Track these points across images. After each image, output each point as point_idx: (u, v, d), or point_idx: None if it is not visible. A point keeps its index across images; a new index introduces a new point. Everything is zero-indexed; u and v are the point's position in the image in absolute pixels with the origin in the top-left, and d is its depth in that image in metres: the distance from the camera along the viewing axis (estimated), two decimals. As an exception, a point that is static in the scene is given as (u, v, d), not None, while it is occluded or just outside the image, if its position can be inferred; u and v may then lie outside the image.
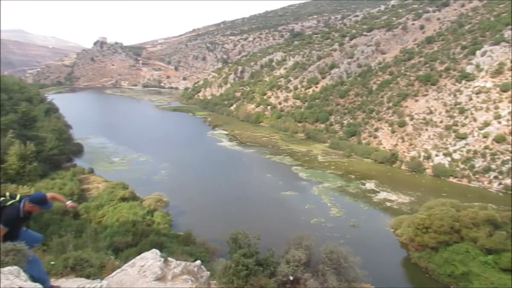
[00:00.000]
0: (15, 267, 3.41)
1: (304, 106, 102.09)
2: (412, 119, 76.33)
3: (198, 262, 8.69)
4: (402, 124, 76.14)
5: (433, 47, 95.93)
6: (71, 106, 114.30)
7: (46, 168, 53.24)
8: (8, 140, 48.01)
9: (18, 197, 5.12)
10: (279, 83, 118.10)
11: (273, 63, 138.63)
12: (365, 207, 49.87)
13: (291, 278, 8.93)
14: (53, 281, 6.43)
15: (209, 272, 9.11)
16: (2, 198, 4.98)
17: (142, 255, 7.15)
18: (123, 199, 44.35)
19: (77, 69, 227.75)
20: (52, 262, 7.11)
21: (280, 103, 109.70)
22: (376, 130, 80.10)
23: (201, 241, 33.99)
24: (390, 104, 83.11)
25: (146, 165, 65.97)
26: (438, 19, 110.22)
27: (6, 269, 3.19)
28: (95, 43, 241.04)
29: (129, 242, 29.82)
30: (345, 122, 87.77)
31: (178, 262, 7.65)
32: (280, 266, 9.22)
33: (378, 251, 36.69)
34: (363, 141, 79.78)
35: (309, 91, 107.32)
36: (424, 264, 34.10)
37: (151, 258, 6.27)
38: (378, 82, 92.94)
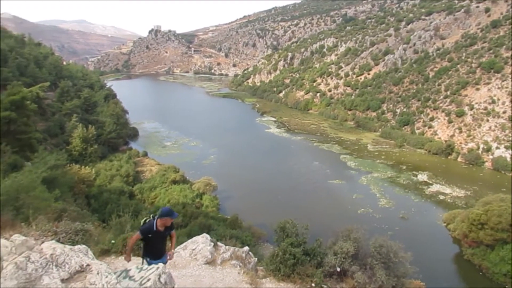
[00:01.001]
0: (84, 246, 4.00)
1: (355, 94, 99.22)
2: (471, 108, 71.31)
3: (246, 248, 9.21)
4: (461, 114, 71.43)
5: (498, 31, 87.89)
6: (127, 92, 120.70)
7: (105, 151, 57.26)
8: (73, 123, 52.15)
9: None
10: (330, 70, 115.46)
11: (324, 49, 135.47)
12: (416, 200, 48.00)
13: (338, 269, 9.00)
14: (114, 259, 7.26)
15: (256, 259, 9.61)
16: (144, 219, 6.18)
17: (194, 239, 7.76)
18: (174, 182, 46.51)
19: (133, 57, 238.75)
20: (113, 241, 7.90)
21: (330, 90, 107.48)
22: (432, 119, 75.98)
23: (247, 225, 34.95)
24: (448, 93, 78.16)
25: (196, 149, 68.29)
26: (506, 1, 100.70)
27: (76, 247, 3.78)
28: (150, 32, 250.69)
29: (179, 223, 31.53)
30: (398, 110, 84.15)
31: (227, 247, 8.19)
32: (328, 257, 9.31)
33: (429, 245, 35.38)
34: (417, 131, 76.16)
35: (360, 78, 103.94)
36: (478, 261, 32.38)
37: (201, 242, 6.85)
38: (436, 69, 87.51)
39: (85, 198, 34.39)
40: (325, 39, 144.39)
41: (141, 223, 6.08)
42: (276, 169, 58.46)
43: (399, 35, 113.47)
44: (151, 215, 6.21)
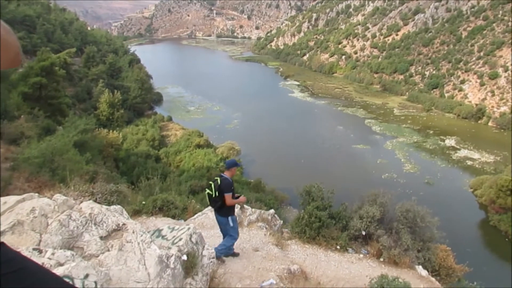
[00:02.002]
0: (119, 206, 4.21)
1: (382, 56, 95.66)
2: (506, 70, 67.46)
3: (272, 211, 9.43)
4: (494, 76, 67.87)
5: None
6: (151, 57, 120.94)
7: (131, 115, 58.47)
8: (99, 89, 53.19)
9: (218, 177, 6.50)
10: (356, 31, 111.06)
11: (350, 9, 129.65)
12: (443, 165, 47.09)
13: (364, 233, 9.09)
14: (145, 219, 7.62)
15: (281, 221, 9.84)
16: (214, 180, 6.40)
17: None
18: (198, 146, 47.35)
19: (155, 21, 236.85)
20: (143, 202, 8.28)
21: (355, 53, 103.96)
22: (462, 82, 72.73)
23: (270, 189, 35.51)
24: (481, 54, 74.05)
25: (220, 114, 68.66)
26: None
27: (112, 207, 3.98)
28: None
29: (204, 186, 32.43)
30: (427, 73, 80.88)
31: (253, 210, 8.42)
32: (353, 221, 9.38)
33: (455, 211, 35.04)
34: (446, 94, 73.38)
35: (388, 40, 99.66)
36: (505, 228, 31.98)
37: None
38: (469, 28, 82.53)
39: (113, 161, 35.63)
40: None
41: (212, 187, 6.27)
42: (300, 133, 58.28)
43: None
44: (216, 178, 6.40)
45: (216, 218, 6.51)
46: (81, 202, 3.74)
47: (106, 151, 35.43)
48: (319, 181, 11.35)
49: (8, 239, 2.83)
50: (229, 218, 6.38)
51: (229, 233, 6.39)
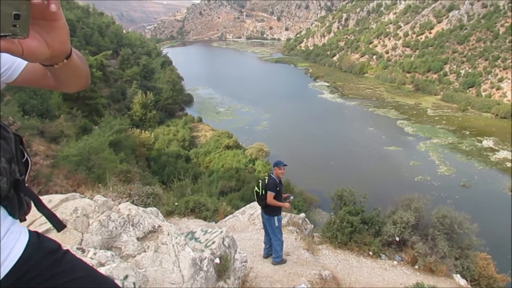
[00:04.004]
0: (155, 208, 4.33)
1: (414, 55, 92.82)
2: (549, 67, 63.72)
3: (303, 215, 9.35)
4: (536, 74, 64.28)
5: None
6: (182, 59, 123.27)
7: (163, 116, 59.80)
8: (133, 90, 54.82)
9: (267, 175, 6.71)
10: (387, 30, 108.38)
11: (382, 8, 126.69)
12: (480, 167, 45.03)
13: (397, 239, 8.87)
14: (177, 220, 7.76)
15: (312, 225, 9.74)
16: (263, 178, 6.62)
17: (252, 204, 8.03)
18: (228, 147, 47.73)
19: (187, 24, 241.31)
20: (176, 203, 8.44)
21: (387, 52, 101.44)
22: (501, 80, 69.29)
23: (299, 191, 35.23)
24: (521, 50, 70.26)
25: (249, 115, 68.93)
26: None
27: (148, 209, 4.09)
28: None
29: (233, 187, 32.69)
30: (463, 71, 77.67)
31: (284, 213, 8.38)
32: (386, 226, 9.16)
33: (494, 215, 33.36)
34: (483, 93, 70.16)
35: (421, 38, 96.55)
36: (549, 235, 30.14)
37: (259, 208, 7.07)
38: (507, 24, 78.34)
39: (145, 160, 36.56)
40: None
41: (260, 185, 6.40)
42: (329, 135, 57.54)
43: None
44: (265, 177, 6.57)
45: (262, 216, 6.63)
46: (120, 203, 3.87)
47: (139, 150, 36.45)
48: (349, 183, 11.15)
49: (53, 237, 2.96)
50: (275, 217, 6.43)
51: (274, 232, 6.45)
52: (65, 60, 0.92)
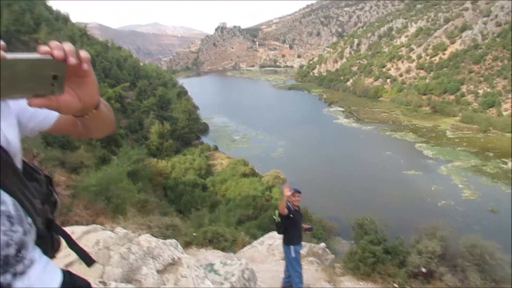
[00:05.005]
0: (174, 240, 4.29)
1: (429, 77, 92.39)
2: None
3: (323, 244, 9.10)
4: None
5: None
6: (197, 89, 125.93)
7: (179, 145, 60.44)
8: (150, 120, 55.98)
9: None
10: (400, 53, 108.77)
11: (393, 32, 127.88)
12: (508, 190, 43.33)
13: (424, 270, 8.44)
14: (196, 250, 7.67)
15: (333, 256, 9.45)
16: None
17: (270, 234, 7.89)
18: (244, 175, 47.55)
19: (201, 55, 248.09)
20: (194, 234, 8.36)
21: (401, 75, 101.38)
22: (522, 99, 67.97)
23: (317, 218, 34.51)
24: (542, 68, 69.17)
25: (264, 142, 69.03)
26: None
27: (167, 241, 4.06)
28: (216, 29, 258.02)
29: (250, 215, 32.31)
30: (481, 91, 76.55)
31: (303, 243, 8.18)
32: (411, 256, 8.74)
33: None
34: (504, 113, 68.60)
35: (435, 59, 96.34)
36: None
37: (278, 238, 6.93)
38: (525, 41, 77.63)
39: (162, 189, 36.73)
40: (394, 21, 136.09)
41: (276, 213, 6.27)
42: (346, 160, 56.90)
43: (477, 7, 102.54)
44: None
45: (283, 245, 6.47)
46: (139, 235, 3.85)
47: (156, 179, 36.72)
48: (368, 210, 10.91)
49: (75, 269, 2.95)
50: (291, 247, 6.22)
51: (291, 263, 6.21)
52: (94, 110, 0.99)
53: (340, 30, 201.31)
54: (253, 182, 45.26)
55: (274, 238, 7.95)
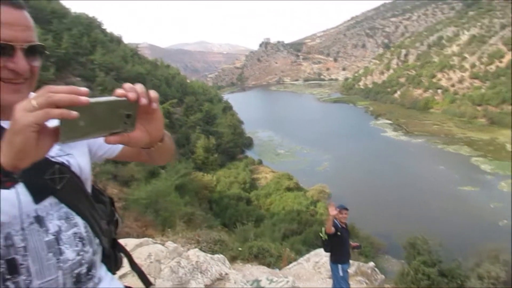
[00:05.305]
0: (222, 255, 4.34)
1: (485, 86, 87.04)
2: None
3: (372, 264, 8.72)
4: None
5: None
6: (242, 104, 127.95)
7: (224, 159, 61.44)
8: (196, 135, 57.68)
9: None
10: (452, 63, 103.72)
11: (443, 41, 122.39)
12: None
13: None
14: (241, 265, 7.66)
15: (383, 276, 9.01)
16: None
17: (317, 251, 7.72)
18: (288, 189, 47.21)
19: (246, 70, 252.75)
20: (240, 248, 8.37)
21: (453, 86, 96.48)
22: None
23: (365, 235, 33.28)
24: None
25: (309, 156, 68.28)
26: None
27: (215, 256, 4.12)
28: (260, 45, 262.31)
29: (294, 230, 31.84)
30: (545, 101, 70.73)
31: (351, 261, 7.89)
32: (470, 281, 8.12)
33: None
34: None
35: (491, 68, 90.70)
36: None
37: (325, 255, 6.76)
38: None
39: (208, 202, 37.37)
40: (444, 29, 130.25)
41: (323, 230, 6.18)
42: (394, 174, 54.69)
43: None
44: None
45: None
46: (188, 249, 3.93)
47: (201, 193, 37.47)
48: (419, 227, 10.31)
49: (128, 281, 3.07)
50: (339, 265, 6.05)
51: (338, 282, 6.01)
52: (159, 143, 1.05)
53: (386, 41, 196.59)
54: (297, 197, 44.79)
55: (321, 256, 7.75)
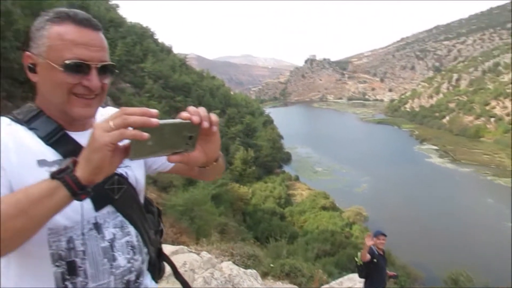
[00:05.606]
0: (254, 271, 4.35)
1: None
2: None
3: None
4: None
5: None
6: (283, 119, 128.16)
7: (261, 172, 61.52)
8: (236, 146, 58.39)
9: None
10: (508, 91, 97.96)
11: (499, 67, 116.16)
12: None
13: None
14: (272, 282, 7.59)
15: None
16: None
17: (350, 276, 7.51)
18: (324, 208, 46.29)
19: (289, 85, 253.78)
20: (272, 265, 8.31)
21: (508, 115, 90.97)
22: None
23: (401, 263, 31.76)
24: None
25: (348, 176, 66.75)
26: None
27: (248, 271, 4.14)
28: (306, 61, 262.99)
29: (327, 250, 31.02)
30: None
31: (387, 289, 7.59)
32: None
33: None
34: None
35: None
36: None
37: (359, 281, 6.57)
38: None
39: (241, 214, 37.45)
40: (501, 56, 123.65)
41: (359, 255, 6.05)
42: (437, 203, 51.98)
43: None
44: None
45: None
46: (222, 261, 3.99)
47: (236, 204, 37.68)
48: (461, 261, 9.70)
49: (163, 286, 3.17)
50: None
51: None
52: (214, 163, 1.11)
53: (437, 64, 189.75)
54: (332, 217, 43.81)
55: (354, 281, 7.52)
